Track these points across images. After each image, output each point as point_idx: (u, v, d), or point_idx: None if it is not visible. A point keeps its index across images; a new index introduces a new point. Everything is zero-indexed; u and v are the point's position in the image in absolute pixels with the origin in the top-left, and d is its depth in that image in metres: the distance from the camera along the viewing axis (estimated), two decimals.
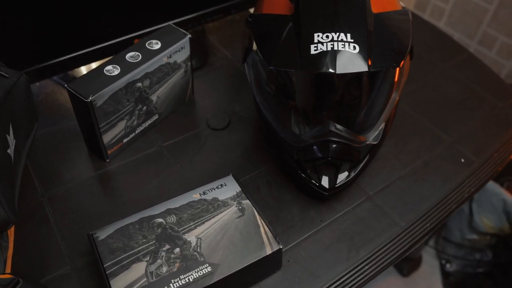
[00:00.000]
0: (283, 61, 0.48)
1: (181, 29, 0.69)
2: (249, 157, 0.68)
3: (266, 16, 0.55)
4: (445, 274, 1.24)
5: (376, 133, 0.60)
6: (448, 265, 1.24)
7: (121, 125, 0.64)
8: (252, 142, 0.71)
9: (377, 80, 0.55)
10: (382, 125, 0.60)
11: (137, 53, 0.63)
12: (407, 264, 1.23)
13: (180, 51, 0.68)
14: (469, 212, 1.20)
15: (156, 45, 0.65)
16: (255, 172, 0.66)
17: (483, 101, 0.78)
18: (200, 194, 0.57)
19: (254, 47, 0.55)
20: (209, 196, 0.56)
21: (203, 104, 0.77)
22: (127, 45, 0.74)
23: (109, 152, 0.65)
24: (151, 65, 0.63)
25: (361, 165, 0.60)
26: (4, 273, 0.49)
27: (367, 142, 0.59)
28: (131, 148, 0.69)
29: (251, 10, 0.93)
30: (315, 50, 0.46)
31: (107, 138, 0.63)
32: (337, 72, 0.45)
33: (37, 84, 0.77)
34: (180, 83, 0.72)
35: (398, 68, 0.55)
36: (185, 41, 0.67)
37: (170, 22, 0.78)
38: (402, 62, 0.48)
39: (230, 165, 0.67)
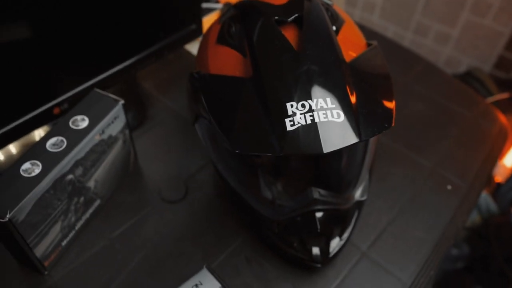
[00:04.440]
0: (253, 143, 0.38)
1: (110, 95, 0.57)
2: (219, 230, 0.58)
3: (217, 79, 0.45)
4: None
5: (363, 186, 0.52)
6: None
7: (56, 229, 0.51)
8: (218, 209, 0.60)
9: None
10: (367, 176, 0.53)
11: (60, 138, 0.51)
12: None
13: (114, 122, 0.56)
14: None
15: (82, 122, 0.53)
16: (229, 248, 0.56)
17: (452, 114, 0.74)
18: None
19: (209, 116, 0.45)
20: None
21: (151, 171, 0.65)
22: (47, 118, 0.61)
23: (45, 264, 0.52)
24: (81, 150, 0.51)
25: (352, 225, 0.52)
26: None
27: (355, 200, 0.51)
28: (74, 248, 0.56)
29: (188, 48, 0.82)
30: (291, 126, 0.37)
31: (40, 250, 0.50)
32: (324, 151, 0.36)
33: None
34: (120, 156, 0.60)
35: None
36: (118, 109, 0.55)
37: (95, 80, 0.66)
38: (394, 118, 0.40)
39: (200, 245, 0.56)
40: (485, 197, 1.17)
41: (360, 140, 0.37)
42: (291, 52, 0.40)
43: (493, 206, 1.16)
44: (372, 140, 0.53)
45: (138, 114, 0.72)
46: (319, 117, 0.37)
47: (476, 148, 0.68)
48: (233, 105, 0.41)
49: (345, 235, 0.52)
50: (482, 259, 1.14)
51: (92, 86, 0.65)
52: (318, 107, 0.37)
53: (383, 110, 0.40)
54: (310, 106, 0.37)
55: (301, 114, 0.37)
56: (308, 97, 0.38)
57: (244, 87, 0.41)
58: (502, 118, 0.75)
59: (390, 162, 0.66)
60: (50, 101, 0.62)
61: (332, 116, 0.37)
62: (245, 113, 0.40)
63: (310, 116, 0.37)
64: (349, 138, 0.37)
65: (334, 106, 0.38)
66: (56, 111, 0.63)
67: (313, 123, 0.37)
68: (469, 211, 0.62)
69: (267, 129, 0.38)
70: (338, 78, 0.39)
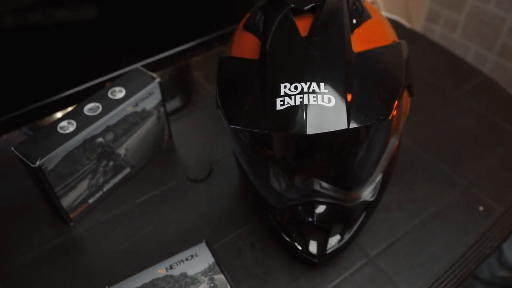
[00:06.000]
0: (245, 119, 0.40)
1: (149, 73, 0.61)
2: (231, 213, 0.60)
3: (231, 60, 0.47)
4: None
5: (372, 187, 0.50)
6: None
7: (83, 185, 0.57)
8: (235, 194, 0.62)
9: (367, 129, 0.45)
10: (379, 177, 0.51)
11: (97, 104, 0.56)
12: None
13: (149, 97, 0.60)
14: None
15: (119, 93, 0.58)
16: (237, 231, 0.58)
17: (503, 134, 0.68)
18: (166, 268, 0.49)
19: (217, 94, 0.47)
20: (176, 271, 0.48)
21: (183, 151, 0.69)
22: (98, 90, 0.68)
23: (71, 215, 0.58)
24: (113, 117, 0.56)
25: (356, 226, 0.51)
26: None
27: (362, 199, 0.50)
28: (100, 207, 0.61)
29: None
30: (281, 106, 0.38)
31: (67, 201, 0.56)
32: (307, 132, 0.37)
33: (4, 137, 0.71)
34: (153, 131, 0.64)
35: None
36: (153, 86, 0.60)
37: (146, 61, 0.72)
38: (392, 113, 0.39)
39: (210, 224, 0.59)
40: None
41: (348, 127, 0.37)
42: (297, 37, 0.41)
43: None
44: (391, 143, 0.51)
45: (183, 98, 0.77)
46: (309, 99, 0.37)
47: None
48: (239, 85, 0.43)
49: (347, 235, 0.50)
50: None
51: (143, 66, 0.71)
52: (310, 90, 0.38)
53: (381, 103, 0.39)
54: (302, 88, 0.38)
55: (292, 95, 0.38)
56: (302, 80, 0.38)
57: (251, 68, 0.43)
58: None
59: (419, 173, 0.63)
60: (104, 75, 0.69)
61: (323, 100, 0.37)
62: (246, 92, 0.42)
63: (300, 98, 0.37)
64: (337, 123, 0.37)
65: (327, 91, 0.38)
66: (107, 84, 0.69)
67: (302, 105, 0.37)
68: (502, 238, 0.57)
69: (259, 107, 0.39)
70: (338, 65, 0.39)
